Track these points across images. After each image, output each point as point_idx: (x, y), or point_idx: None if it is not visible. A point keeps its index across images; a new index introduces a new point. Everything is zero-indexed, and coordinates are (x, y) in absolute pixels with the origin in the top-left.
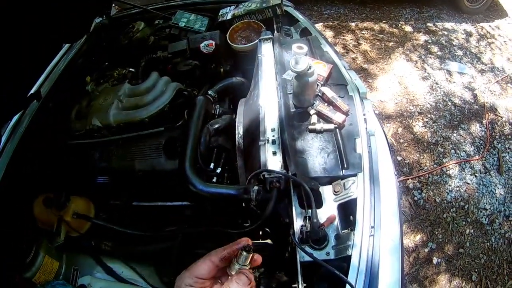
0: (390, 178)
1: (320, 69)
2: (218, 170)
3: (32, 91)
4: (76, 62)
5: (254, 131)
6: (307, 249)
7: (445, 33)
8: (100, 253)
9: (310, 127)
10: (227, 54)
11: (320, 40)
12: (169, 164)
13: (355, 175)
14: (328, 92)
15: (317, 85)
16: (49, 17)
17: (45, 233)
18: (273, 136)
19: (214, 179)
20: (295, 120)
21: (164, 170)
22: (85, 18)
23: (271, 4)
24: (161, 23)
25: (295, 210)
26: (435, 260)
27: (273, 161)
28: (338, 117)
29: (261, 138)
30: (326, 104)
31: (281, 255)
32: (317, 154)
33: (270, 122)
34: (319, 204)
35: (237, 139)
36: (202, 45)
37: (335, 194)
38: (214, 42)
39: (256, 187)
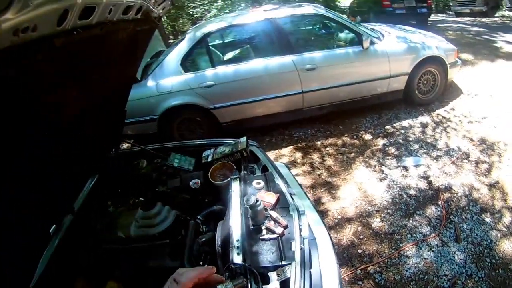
0: (331, 264)
1: (270, 198)
2: None
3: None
4: (94, 189)
5: (227, 241)
6: None
7: (402, 131)
8: None
9: (261, 237)
10: (209, 188)
11: (274, 174)
12: (172, 263)
13: (290, 263)
14: (274, 214)
15: (267, 209)
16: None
17: None
18: (238, 244)
19: None
20: (252, 234)
21: (169, 266)
22: (105, 149)
23: (239, 149)
24: (160, 161)
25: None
26: None
27: (238, 258)
28: (279, 230)
29: (231, 245)
30: (272, 222)
31: None
32: (265, 253)
33: (236, 235)
34: (267, 282)
35: (217, 247)
36: (191, 183)
37: (277, 276)
38: (199, 181)
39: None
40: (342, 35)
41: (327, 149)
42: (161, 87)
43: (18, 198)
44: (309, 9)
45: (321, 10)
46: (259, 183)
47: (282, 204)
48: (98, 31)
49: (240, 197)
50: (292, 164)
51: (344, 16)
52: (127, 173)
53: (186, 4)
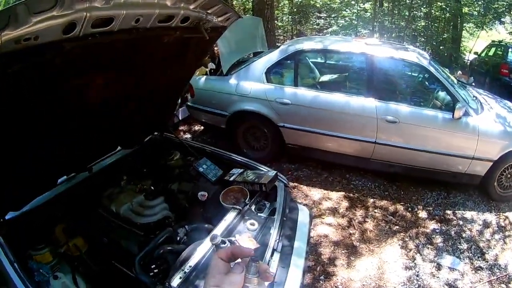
0: None
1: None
2: None
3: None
4: (122, 160)
5: (184, 262)
6: None
7: (460, 223)
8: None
9: None
10: (214, 205)
11: (274, 224)
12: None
13: None
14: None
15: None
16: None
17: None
18: (187, 270)
19: None
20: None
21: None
22: (146, 132)
23: (261, 181)
24: (191, 161)
25: None
26: None
27: (175, 282)
28: None
29: (181, 268)
30: None
31: None
32: None
33: (192, 262)
34: None
35: (177, 262)
36: (199, 193)
37: None
38: (207, 195)
39: None
40: (438, 93)
41: (375, 211)
42: (241, 88)
43: (45, 146)
44: (411, 55)
45: (424, 60)
46: (253, 224)
47: (257, 256)
48: (126, 36)
49: (225, 228)
50: (332, 211)
51: (452, 72)
52: (156, 158)
53: (311, 11)
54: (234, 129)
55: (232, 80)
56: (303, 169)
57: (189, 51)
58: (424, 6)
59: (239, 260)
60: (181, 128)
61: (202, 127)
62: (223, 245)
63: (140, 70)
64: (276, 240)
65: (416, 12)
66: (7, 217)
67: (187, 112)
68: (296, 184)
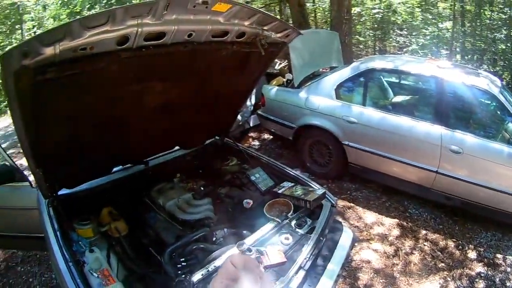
0: None
1: (275, 257)
2: None
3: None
4: (180, 159)
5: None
6: None
7: (508, 269)
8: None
9: None
10: (256, 212)
11: (309, 241)
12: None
13: None
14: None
15: (260, 263)
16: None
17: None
18: (210, 268)
19: None
20: None
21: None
22: (206, 136)
23: (307, 198)
24: (246, 168)
25: None
26: None
27: (197, 277)
28: None
29: (206, 265)
30: None
31: None
32: None
33: (218, 263)
34: None
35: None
36: (245, 201)
37: None
38: (251, 203)
39: None
40: (508, 125)
41: (425, 243)
42: (310, 102)
43: (103, 138)
44: (482, 82)
45: (495, 88)
46: (287, 239)
47: (283, 271)
48: (180, 48)
49: (258, 238)
50: (381, 237)
51: None
52: (212, 161)
53: (392, 28)
54: (300, 142)
55: (303, 94)
56: (362, 190)
57: (249, 64)
58: (505, 28)
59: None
60: (250, 134)
61: (271, 136)
62: (248, 253)
63: (199, 79)
64: (305, 259)
65: (497, 34)
66: (60, 192)
67: (258, 120)
68: (352, 204)
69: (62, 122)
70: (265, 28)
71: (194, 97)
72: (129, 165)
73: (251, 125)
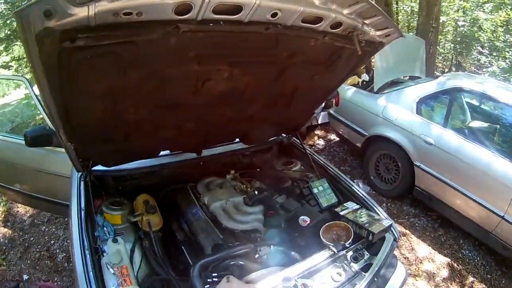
0: None
1: None
2: None
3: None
4: (238, 154)
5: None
6: None
7: None
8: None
9: None
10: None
11: (362, 282)
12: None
13: None
14: None
15: None
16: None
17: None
18: None
19: None
20: None
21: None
22: (272, 132)
23: (370, 228)
24: (309, 176)
25: None
26: None
27: None
28: None
29: None
30: None
31: None
32: None
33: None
34: None
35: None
36: (301, 217)
37: None
38: (308, 221)
39: None
40: None
41: None
42: (387, 111)
43: (151, 119)
44: None
45: None
46: (339, 275)
47: None
48: (259, 29)
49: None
50: (428, 276)
51: None
52: (274, 161)
53: (474, 44)
54: (369, 152)
55: (381, 100)
56: (421, 217)
57: (339, 61)
58: None
59: None
60: (317, 132)
61: (338, 138)
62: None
63: (277, 69)
64: None
65: None
66: (95, 169)
67: (327, 118)
68: (408, 232)
69: (97, 97)
70: (366, 22)
71: (268, 90)
72: (179, 151)
73: (319, 122)
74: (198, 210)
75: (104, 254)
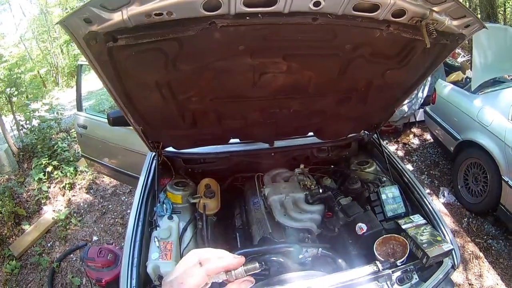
0: None
1: None
2: None
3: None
4: (312, 148)
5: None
6: None
7: None
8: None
9: None
10: (365, 243)
11: None
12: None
13: None
14: None
15: None
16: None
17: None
18: None
19: None
20: None
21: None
22: (350, 128)
23: (426, 250)
24: (382, 180)
25: None
26: None
27: None
28: None
29: None
30: None
31: None
32: None
33: None
34: None
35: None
36: (358, 224)
37: None
38: (365, 230)
39: None
40: None
41: None
42: (482, 115)
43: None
44: None
45: None
46: None
47: None
48: (304, 20)
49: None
50: None
51: None
52: (349, 159)
53: None
54: (459, 158)
55: (477, 101)
56: (500, 240)
57: (413, 55)
58: None
59: None
60: (413, 129)
61: (432, 140)
62: None
63: (340, 63)
64: None
65: None
66: (168, 149)
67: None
68: (481, 255)
69: (153, 88)
70: (435, 9)
71: (335, 84)
72: (250, 141)
73: (416, 119)
74: (260, 200)
75: (157, 228)
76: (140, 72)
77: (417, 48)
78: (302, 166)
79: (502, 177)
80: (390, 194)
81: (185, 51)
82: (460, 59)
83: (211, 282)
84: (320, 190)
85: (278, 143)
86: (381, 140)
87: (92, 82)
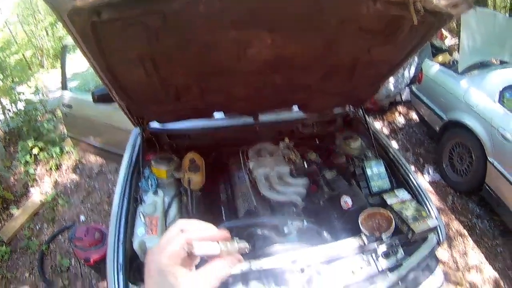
0: None
1: None
2: None
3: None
4: (296, 122)
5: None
6: None
7: None
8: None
9: None
10: (349, 217)
11: (382, 282)
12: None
13: None
14: None
15: None
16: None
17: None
18: None
19: None
20: None
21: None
22: (335, 103)
23: (413, 226)
24: (367, 156)
25: None
26: None
27: None
28: None
29: None
30: None
31: None
32: None
33: None
34: None
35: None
36: (343, 199)
37: None
38: (350, 204)
39: None
40: None
41: None
42: (469, 96)
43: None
44: None
45: None
46: (361, 269)
47: None
48: None
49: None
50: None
51: None
52: (333, 134)
53: None
54: (445, 137)
55: (464, 83)
56: (484, 220)
57: (399, 32)
58: None
59: None
60: (399, 109)
61: (418, 119)
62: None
63: (326, 38)
64: None
65: None
66: (152, 125)
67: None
68: (466, 233)
69: (136, 63)
70: None
71: (321, 59)
72: (235, 114)
73: (403, 99)
74: (244, 174)
75: (143, 203)
76: (123, 47)
77: (404, 25)
78: (286, 139)
79: (488, 158)
80: (375, 170)
81: (169, 25)
82: (447, 42)
83: (199, 255)
84: (305, 164)
85: (263, 118)
86: (366, 116)
87: (77, 63)
